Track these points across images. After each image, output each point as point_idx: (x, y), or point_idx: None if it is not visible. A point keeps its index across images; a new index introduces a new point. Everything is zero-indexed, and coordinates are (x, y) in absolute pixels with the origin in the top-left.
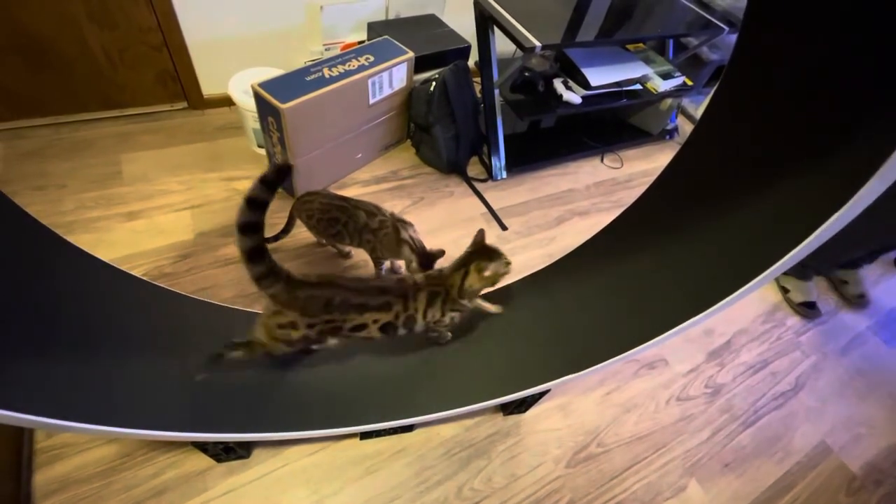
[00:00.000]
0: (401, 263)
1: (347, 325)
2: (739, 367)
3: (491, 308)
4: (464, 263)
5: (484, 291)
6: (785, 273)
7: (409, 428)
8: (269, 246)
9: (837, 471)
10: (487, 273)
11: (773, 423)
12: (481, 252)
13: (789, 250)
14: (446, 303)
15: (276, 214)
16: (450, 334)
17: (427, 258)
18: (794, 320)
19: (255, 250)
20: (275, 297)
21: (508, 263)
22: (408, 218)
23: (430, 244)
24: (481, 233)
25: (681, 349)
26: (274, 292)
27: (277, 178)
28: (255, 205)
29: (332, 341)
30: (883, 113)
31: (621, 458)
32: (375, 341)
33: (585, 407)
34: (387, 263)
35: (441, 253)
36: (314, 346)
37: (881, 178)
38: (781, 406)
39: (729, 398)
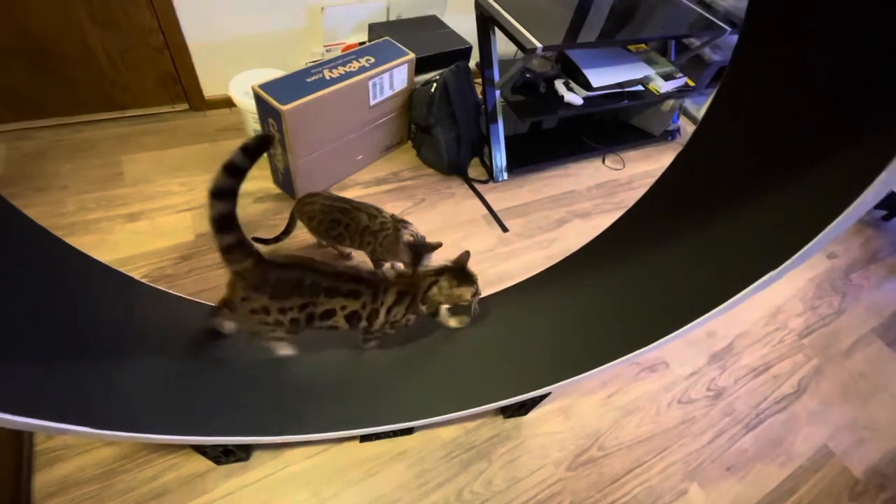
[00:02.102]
0: (401, 265)
1: (318, 309)
2: (741, 369)
3: (452, 323)
4: (438, 273)
5: (444, 307)
6: None
7: (410, 430)
8: (270, 247)
9: (840, 475)
10: (453, 290)
11: (776, 427)
12: (458, 271)
13: (793, 253)
14: (411, 305)
15: (278, 216)
16: (373, 343)
17: (417, 249)
18: (796, 322)
19: (226, 217)
20: (241, 274)
21: (475, 295)
22: (408, 219)
23: None
24: (466, 254)
25: (682, 352)
26: (241, 269)
27: (259, 146)
28: (233, 171)
29: (305, 330)
30: (887, 114)
31: (622, 462)
32: (340, 332)
33: (586, 410)
34: (387, 265)
35: (437, 245)
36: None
37: (884, 180)
38: (784, 409)
39: (731, 401)
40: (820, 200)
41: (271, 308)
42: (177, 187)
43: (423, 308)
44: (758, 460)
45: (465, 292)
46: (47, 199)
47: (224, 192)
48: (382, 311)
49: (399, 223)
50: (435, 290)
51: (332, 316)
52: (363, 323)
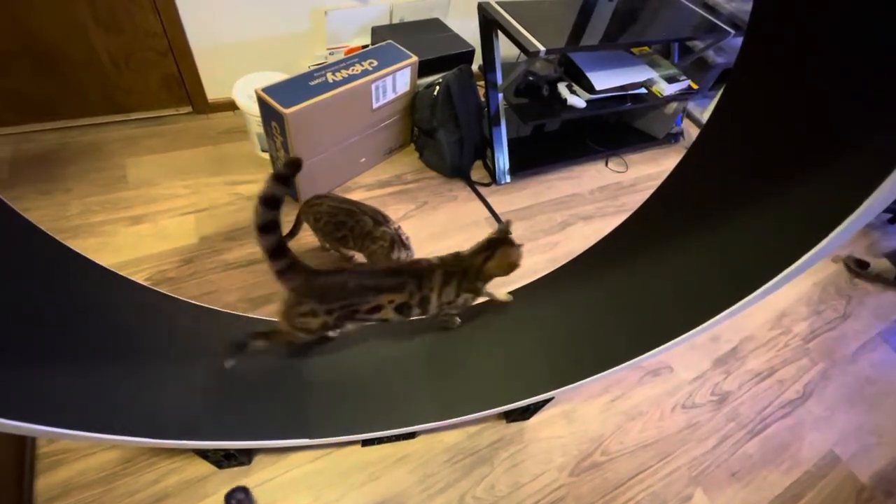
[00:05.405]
0: None
1: (364, 307)
2: (746, 374)
3: (502, 297)
4: (488, 247)
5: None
6: None
7: (412, 435)
8: None
9: (846, 481)
10: (508, 259)
11: (781, 432)
12: (506, 241)
13: (799, 257)
14: (462, 283)
15: (283, 218)
16: (458, 319)
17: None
18: (801, 327)
19: (277, 247)
20: (296, 289)
21: (521, 257)
22: (411, 222)
23: (434, 248)
24: (509, 223)
25: (686, 356)
26: (295, 285)
27: (290, 172)
28: (271, 203)
29: (350, 326)
30: (893, 117)
31: (626, 467)
32: (391, 323)
33: (589, 414)
34: None
35: None
36: (331, 333)
37: (891, 185)
38: (789, 414)
39: (735, 406)
40: (827, 204)
41: (318, 310)
42: (180, 190)
43: (481, 284)
44: (763, 466)
45: (519, 256)
46: (51, 202)
47: (269, 226)
48: (433, 297)
49: (398, 243)
50: (492, 263)
51: (380, 310)
52: (416, 311)
